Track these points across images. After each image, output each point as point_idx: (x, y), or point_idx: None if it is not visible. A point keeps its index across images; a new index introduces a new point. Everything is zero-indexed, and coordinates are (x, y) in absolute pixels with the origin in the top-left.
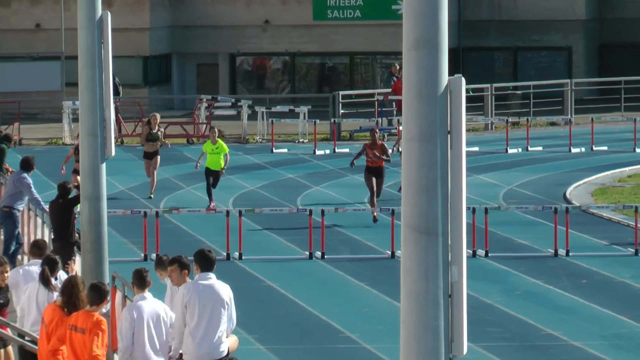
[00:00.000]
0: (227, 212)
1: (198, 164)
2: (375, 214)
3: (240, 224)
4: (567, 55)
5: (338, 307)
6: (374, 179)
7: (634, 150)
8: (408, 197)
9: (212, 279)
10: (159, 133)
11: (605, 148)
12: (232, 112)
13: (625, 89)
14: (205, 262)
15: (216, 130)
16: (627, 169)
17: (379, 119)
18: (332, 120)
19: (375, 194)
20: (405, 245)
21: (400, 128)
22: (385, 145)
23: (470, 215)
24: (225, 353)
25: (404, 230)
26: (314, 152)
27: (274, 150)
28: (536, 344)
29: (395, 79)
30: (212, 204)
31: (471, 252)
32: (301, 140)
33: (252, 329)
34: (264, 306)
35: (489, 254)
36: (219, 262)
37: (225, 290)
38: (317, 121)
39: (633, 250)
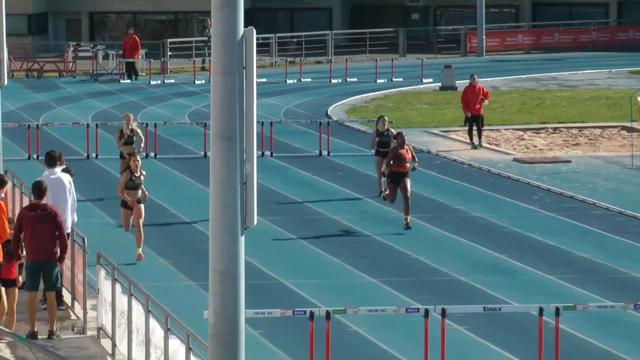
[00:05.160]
0: (87, 125)
1: None
2: (407, 219)
3: (97, 134)
4: (329, 14)
5: (164, 192)
6: (399, 189)
7: (375, 81)
8: (215, 113)
9: (57, 172)
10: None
11: (355, 80)
12: (91, 54)
13: (370, 38)
14: (50, 160)
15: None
16: (370, 94)
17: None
18: (162, 59)
19: (406, 199)
20: (213, 148)
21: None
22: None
23: (259, 127)
24: (73, 222)
25: (212, 137)
26: (149, 82)
27: (121, 81)
28: (306, 218)
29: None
30: None
31: (260, 153)
32: (140, 74)
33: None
34: (114, 186)
35: (273, 155)
36: (82, 161)
37: (66, 179)
38: (152, 60)
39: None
